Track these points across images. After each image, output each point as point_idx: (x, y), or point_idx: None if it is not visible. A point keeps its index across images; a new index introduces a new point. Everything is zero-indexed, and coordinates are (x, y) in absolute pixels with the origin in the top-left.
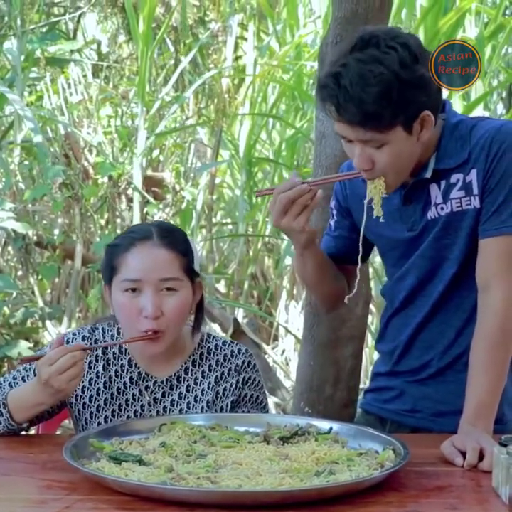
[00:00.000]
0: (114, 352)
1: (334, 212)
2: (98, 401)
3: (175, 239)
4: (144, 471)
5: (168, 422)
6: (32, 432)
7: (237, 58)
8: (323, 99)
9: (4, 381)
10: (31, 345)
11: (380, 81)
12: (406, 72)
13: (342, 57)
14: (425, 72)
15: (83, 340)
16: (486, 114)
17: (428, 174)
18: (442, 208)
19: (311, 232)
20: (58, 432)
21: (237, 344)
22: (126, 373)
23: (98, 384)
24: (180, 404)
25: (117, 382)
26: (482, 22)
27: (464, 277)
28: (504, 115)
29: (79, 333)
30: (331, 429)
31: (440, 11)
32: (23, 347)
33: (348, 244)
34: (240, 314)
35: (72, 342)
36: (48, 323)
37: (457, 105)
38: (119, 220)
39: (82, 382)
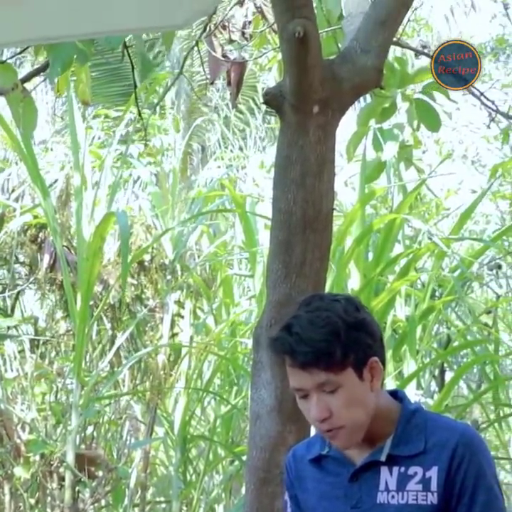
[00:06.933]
0: None
1: (288, 503)
2: None
3: None
4: None
5: None
6: None
7: (173, 335)
8: (277, 351)
9: None
10: None
11: (328, 323)
12: (350, 317)
13: (293, 313)
14: (367, 317)
15: None
16: (419, 392)
17: (383, 457)
18: (393, 496)
19: None
20: None
21: None
22: None
23: None
24: None
25: None
26: (413, 303)
27: None
28: (437, 392)
29: None
30: None
31: (371, 292)
32: None
33: None
34: None
35: None
36: None
37: (390, 384)
38: (49, 499)
39: None
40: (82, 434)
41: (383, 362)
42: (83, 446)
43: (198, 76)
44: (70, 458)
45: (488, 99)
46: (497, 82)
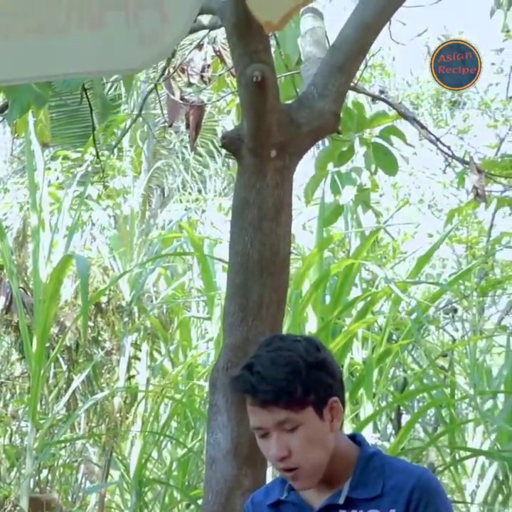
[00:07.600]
0: None
1: None
2: None
3: None
4: None
5: None
6: None
7: (130, 378)
8: (238, 390)
9: None
10: None
11: (289, 362)
12: (311, 357)
13: (253, 353)
14: (328, 357)
15: None
16: (376, 435)
17: (341, 500)
18: None
19: None
20: None
21: None
22: None
23: None
24: None
25: None
26: (370, 346)
27: None
28: (393, 435)
29: None
30: None
31: (328, 335)
32: None
33: None
34: None
35: None
36: None
37: (347, 426)
38: None
39: None
40: (37, 478)
41: (343, 402)
42: (38, 490)
43: (160, 118)
44: (24, 502)
45: (444, 145)
46: (453, 127)
